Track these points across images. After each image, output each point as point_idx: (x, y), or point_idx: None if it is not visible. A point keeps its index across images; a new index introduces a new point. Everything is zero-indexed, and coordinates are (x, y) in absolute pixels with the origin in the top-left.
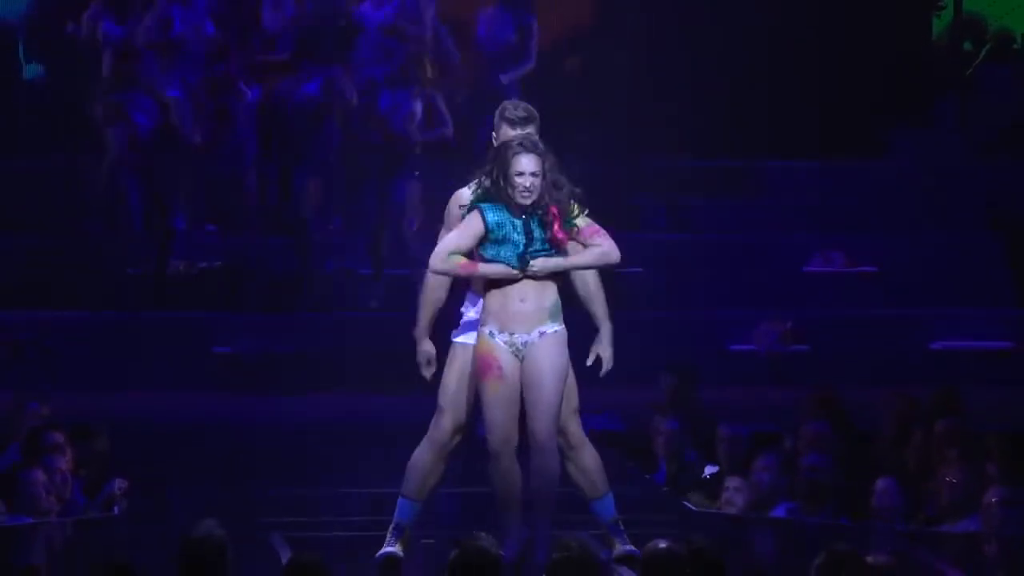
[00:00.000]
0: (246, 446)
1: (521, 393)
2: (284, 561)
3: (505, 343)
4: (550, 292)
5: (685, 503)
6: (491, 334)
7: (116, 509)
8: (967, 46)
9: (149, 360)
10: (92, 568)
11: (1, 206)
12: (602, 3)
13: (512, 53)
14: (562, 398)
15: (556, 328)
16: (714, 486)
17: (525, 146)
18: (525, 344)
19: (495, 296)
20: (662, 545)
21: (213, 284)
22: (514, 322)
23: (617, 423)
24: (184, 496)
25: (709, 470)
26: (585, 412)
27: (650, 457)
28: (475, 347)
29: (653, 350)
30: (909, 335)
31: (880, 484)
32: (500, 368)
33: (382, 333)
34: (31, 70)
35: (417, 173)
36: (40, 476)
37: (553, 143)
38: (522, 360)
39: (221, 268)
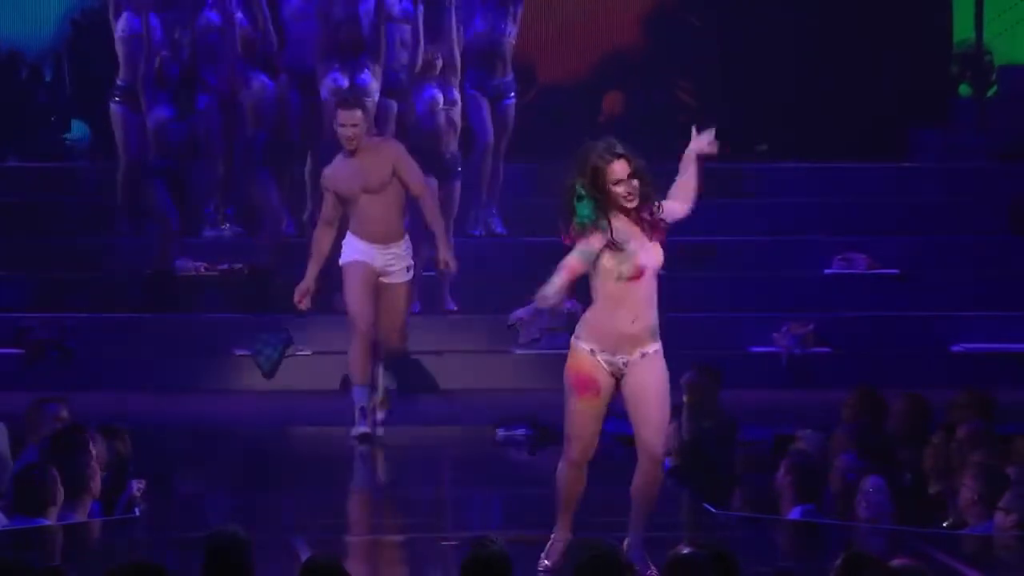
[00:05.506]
0: (265, 447)
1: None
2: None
3: (606, 362)
4: (655, 309)
5: (706, 506)
6: (592, 352)
7: (136, 511)
8: (964, 90)
9: (168, 361)
10: (121, 569)
11: (23, 208)
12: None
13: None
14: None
15: (657, 347)
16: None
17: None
18: (626, 364)
19: (604, 319)
20: (685, 551)
21: (236, 286)
22: (620, 344)
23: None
24: (204, 498)
25: None
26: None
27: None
28: (571, 361)
29: (674, 352)
30: (930, 337)
31: (871, 481)
32: (598, 389)
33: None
34: (77, 128)
35: (459, 169)
36: (53, 477)
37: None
38: (620, 379)
39: (244, 269)
